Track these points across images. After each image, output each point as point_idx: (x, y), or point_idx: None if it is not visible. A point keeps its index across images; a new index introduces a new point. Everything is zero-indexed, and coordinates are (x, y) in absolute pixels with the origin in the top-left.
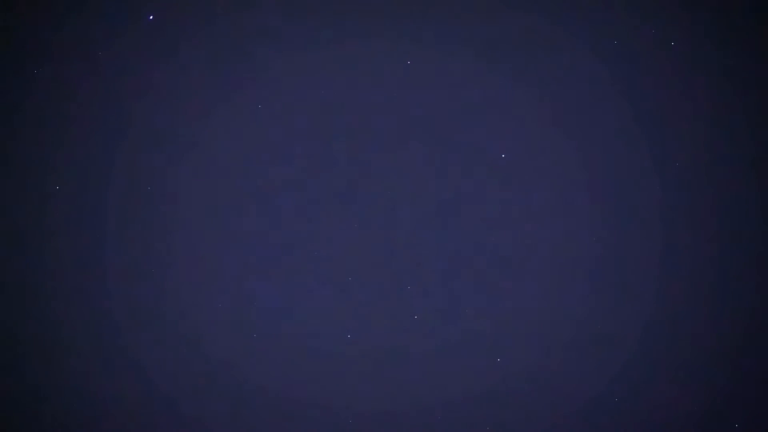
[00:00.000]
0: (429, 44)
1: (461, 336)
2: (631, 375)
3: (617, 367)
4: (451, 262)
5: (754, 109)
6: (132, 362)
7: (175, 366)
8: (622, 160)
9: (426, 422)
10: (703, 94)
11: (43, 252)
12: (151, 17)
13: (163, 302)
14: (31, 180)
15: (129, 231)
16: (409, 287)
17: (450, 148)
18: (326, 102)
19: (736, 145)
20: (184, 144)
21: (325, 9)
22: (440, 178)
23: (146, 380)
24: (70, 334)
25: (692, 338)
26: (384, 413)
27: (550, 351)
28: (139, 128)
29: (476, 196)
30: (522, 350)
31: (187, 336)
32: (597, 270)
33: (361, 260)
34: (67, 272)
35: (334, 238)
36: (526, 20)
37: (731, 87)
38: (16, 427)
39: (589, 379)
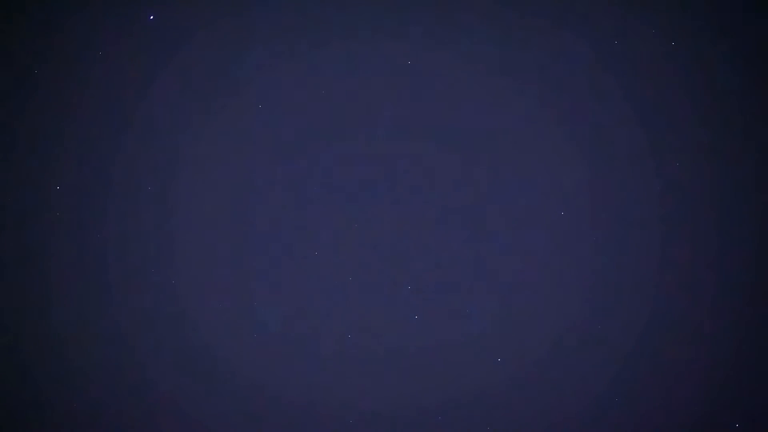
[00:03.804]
0: (429, 44)
1: (461, 336)
2: (631, 375)
3: (617, 367)
4: (451, 263)
5: (754, 109)
6: (132, 362)
7: (176, 366)
8: (622, 160)
9: (426, 422)
10: (703, 94)
11: (43, 252)
12: (151, 17)
13: (164, 303)
14: (31, 180)
15: (129, 231)
16: (409, 287)
17: (450, 148)
18: (326, 102)
19: (736, 145)
20: (184, 144)
21: (325, 9)
22: (440, 178)
23: (146, 380)
24: (70, 335)
25: (692, 338)
26: (384, 413)
27: (550, 351)
28: (139, 128)
29: (476, 196)
30: (522, 350)
31: (187, 336)
32: (597, 270)
33: (361, 260)
34: (67, 273)
35: (334, 238)
36: (526, 20)
37: (731, 87)
38: (16, 427)
39: (589, 379)
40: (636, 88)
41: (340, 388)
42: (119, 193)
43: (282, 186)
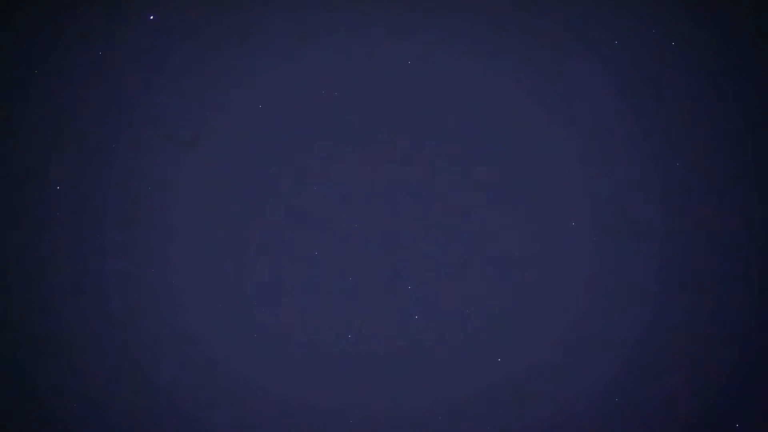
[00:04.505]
0: (429, 44)
1: (461, 336)
2: (631, 375)
3: (617, 367)
4: (451, 263)
5: (754, 109)
6: (132, 362)
7: (176, 366)
8: (622, 161)
9: (426, 422)
10: (703, 94)
11: (43, 252)
12: (151, 17)
13: (163, 302)
14: (31, 180)
15: (129, 231)
16: (409, 287)
17: (450, 148)
18: (326, 102)
19: (736, 145)
20: (185, 144)
21: (325, 9)
22: (440, 178)
23: (146, 380)
24: (70, 334)
25: (692, 338)
26: (384, 413)
27: (550, 351)
28: (139, 128)
29: (477, 196)
30: (522, 350)
31: (187, 336)
32: (597, 270)
33: (362, 260)
34: (67, 272)
35: (334, 238)
36: (526, 20)
37: (731, 87)
38: (16, 428)
39: (589, 379)
40: (636, 88)
41: (340, 388)
42: (119, 193)
43: (282, 186)
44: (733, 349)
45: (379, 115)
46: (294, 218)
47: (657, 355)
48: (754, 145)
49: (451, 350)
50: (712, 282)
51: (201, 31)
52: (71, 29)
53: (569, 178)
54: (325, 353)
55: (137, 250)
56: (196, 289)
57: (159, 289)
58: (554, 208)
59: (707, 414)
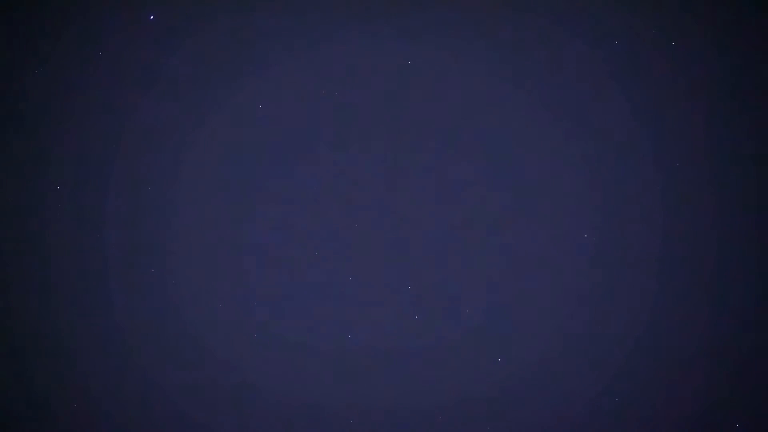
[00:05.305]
0: (429, 44)
1: (461, 336)
2: (631, 375)
3: (617, 367)
4: (451, 262)
5: (754, 108)
6: (132, 362)
7: (176, 366)
8: (622, 159)
9: (426, 422)
10: (703, 94)
11: (43, 252)
12: (151, 17)
13: (164, 302)
14: (31, 180)
15: (129, 231)
16: (409, 287)
17: (450, 147)
18: (327, 102)
19: (736, 145)
20: (184, 144)
21: (325, 9)
22: (440, 177)
23: (146, 380)
24: (70, 335)
25: (692, 338)
26: (384, 413)
27: (550, 351)
28: (139, 128)
29: (476, 196)
30: (522, 350)
31: (187, 336)
32: (597, 270)
33: (361, 260)
34: (67, 273)
35: (334, 238)
36: (526, 20)
37: (731, 87)
38: (16, 427)
39: (589, 379)
40: (636, 88)
41: (340, 387)
42: (119, 193)
43: (282, 186)
44: (733, 349)
45: (379, 115)
46: (294, 218)
47: (657, 355)
48: (754, 144)
49: (451, 350)
50: (712, 282)
51: (201, 31)
52: (71, 29)
53: (568, 179)
54: (325, 353)
55: (137, 250)
56: (196, 289)
57: (159, 289)
58: (553, 208)
59: (707, 414)
